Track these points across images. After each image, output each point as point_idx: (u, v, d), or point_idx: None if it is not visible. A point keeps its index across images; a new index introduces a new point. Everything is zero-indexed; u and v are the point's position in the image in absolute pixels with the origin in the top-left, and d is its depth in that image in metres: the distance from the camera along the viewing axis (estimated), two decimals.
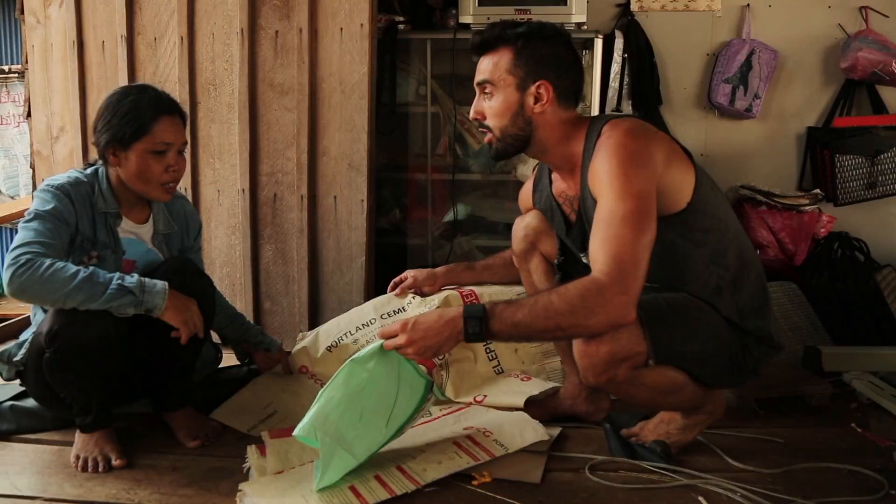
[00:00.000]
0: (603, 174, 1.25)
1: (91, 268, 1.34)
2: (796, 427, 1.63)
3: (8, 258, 1.32)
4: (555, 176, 1.52)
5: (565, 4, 2.26)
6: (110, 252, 1.50)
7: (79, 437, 1.47)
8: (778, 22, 2.59)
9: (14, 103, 3.63)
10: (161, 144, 1.46)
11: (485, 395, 1.68)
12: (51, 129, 2.27)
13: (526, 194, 1.67)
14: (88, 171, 1.54)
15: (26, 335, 1.55)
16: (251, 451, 1.44)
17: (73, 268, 1.32)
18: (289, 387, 1.71)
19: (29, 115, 2.32)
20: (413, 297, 1.80)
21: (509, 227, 2.53)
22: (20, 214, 3.17)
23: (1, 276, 1.44)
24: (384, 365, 1.29)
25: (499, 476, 1.37)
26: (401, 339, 1.27)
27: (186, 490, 1.35)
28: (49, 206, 1.41)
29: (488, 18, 2.27)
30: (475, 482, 1.35)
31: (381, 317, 1.77)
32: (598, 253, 1.19)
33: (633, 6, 2.61)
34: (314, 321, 2.11)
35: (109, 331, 1.37)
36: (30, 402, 1.65)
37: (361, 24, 1.95)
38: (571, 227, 1.48)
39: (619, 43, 2.50)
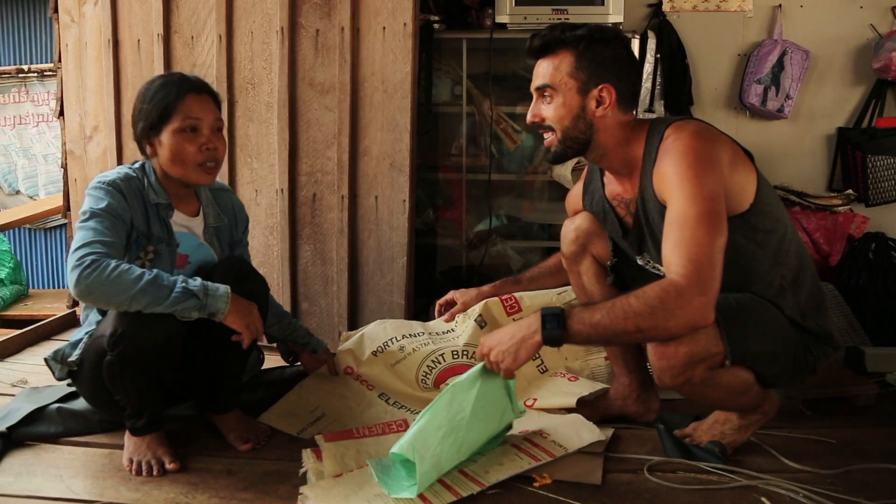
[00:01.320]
0: (673, 177, 1.25)
1: (155, 271, 1.33)
2: (846, 427, 1.62)
3: (72, 259, 1.30)
4: (607, 178, 1.51)
5: (602, 4, 2.25)
6: (165, 245, 1.48)
7: (130, 440, 1.45)
8: (809, 22, 2.59)
9: (33, 103, 3.62)
10: (189, 120, 1.43)
11: (535, 399, 1.67)
12: (84, 128, 2.25)
13: (575, 197, 1.66)
14: (136, 165, 1.53)
15: (78, 335, 1.53)
16: (307, 454, 1.43)
17: (137, 270, 1.30)
18: (335, 389, 1.70)
19: (61, 114, 2.30)
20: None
21: (543, 227, 2.55)
22: (44, 214, 3.16)
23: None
24: (487, 398, 1.31)
25: (559, 478, 1.37)
26: (482, 349, 1.29)
27: (245, 494, 1.34)
28: (103, 204, 1.39)
29: (525, 18, 2.26)
30: (536, 484, 1.35)
31: (430, 333, 1.76)
32: (673, 255, 1.19)
33: (665, 6, 2.61)
34: (353, 322, 2.10)
35: (172, 335, 1.36)
36: (77, 405, 1.64)
37: (405, 23, 1.94)
38: (628, 230, 1.48)
39: (651, 43, 2.50)
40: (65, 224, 3.63)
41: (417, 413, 1.61)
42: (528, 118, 1.42)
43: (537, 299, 1.76)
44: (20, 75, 3.56)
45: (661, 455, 1.47)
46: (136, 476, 1.39)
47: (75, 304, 2.43)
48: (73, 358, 1.49)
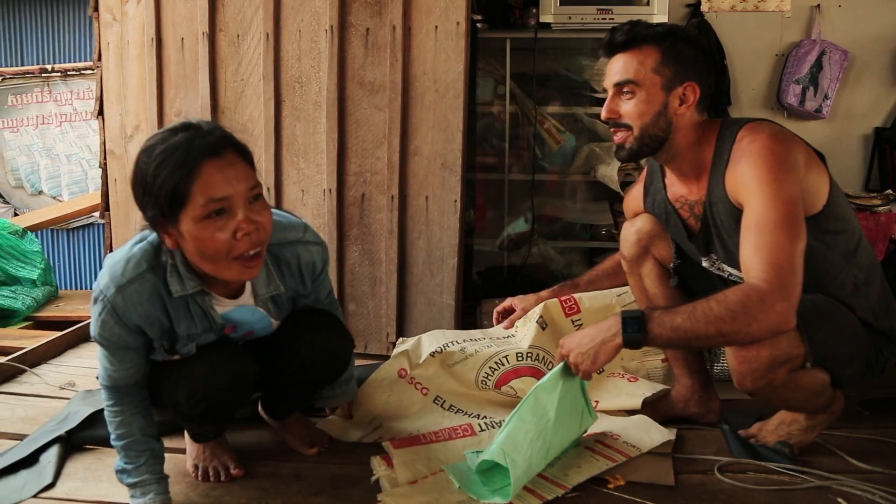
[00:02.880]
0: (751, 180, 1.24)
1: (126, 440, 1.27)
2: None
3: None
4: (669, 180, 1.50)
5: (647, 4, 2.25)
6: (204, 336, 1.27)
7: (192, 445, 1.44)
8: (847, 22, 2.59)
9: (56, 103, 3.60)
10: (213, 203, 1.06)
11: (596, 401, 1.65)
12: (125, 127, 2.23)
13: (635, 199, 1.65)
14: (154, 240, 1.19)
15: None
16: (376, 462, 1.42)
17: (116, 430, 1.27)
18: (391, 399, 1.65)
19: (100, 113, 2.27)
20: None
21: (585, 227, 2.54)
22: (73, 215, 3.13)
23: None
24: (568, 399, 1.31)
25: (632, 479, 1.37)
26: (562, 350, 1.29)
27: (317, 499, 1.33)
28: (105, 334, 1.20)
29: (569, 18, 2.26)
30: (610, 485, 1.35)
31: (491, 338, 1.74)
32: (753, 260, 1.19)
33: (703, 6, 2.61)
34: (401, 323, 2.08)
35: (247, 371, 1.32)
36: None
37: (458, 22, 1.92)
38: (693, 232, 1.47)
39: None
40: (90, 224, 3.61)
41: (476, 417, 1.61)
42: (604, 115, 1.41)
43: (596, 301, 1.75)
44: (43, 75, 3.53)
45: (728, 455, 1.46)
46: (203, 482, 1.38)
47: None
48: None
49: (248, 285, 1.27)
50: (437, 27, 1.94)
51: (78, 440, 1.52)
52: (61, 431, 1.52)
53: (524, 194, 2.46)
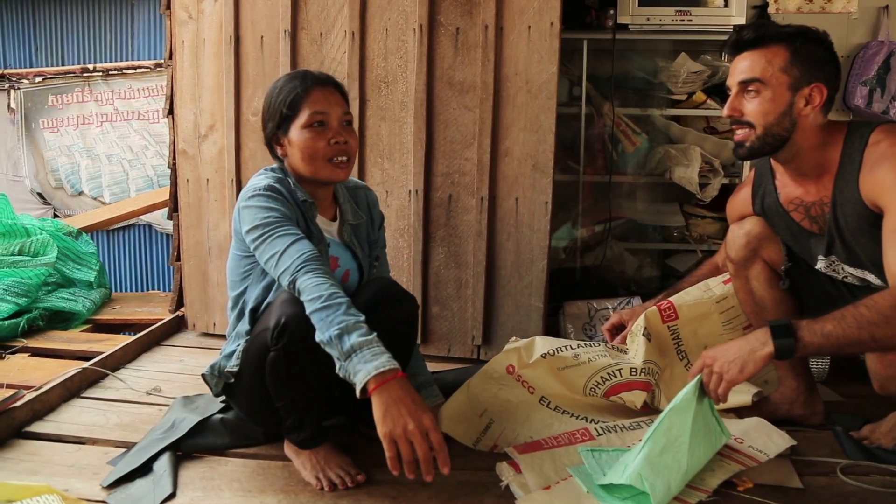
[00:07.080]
0: (894, 183, 1.23)
1: (334, 301, 1.22)
2: None
3: (285, 265, 1.29)
4: (781, 182, 1.49)
5: (726, 6, 2.24)
6: (316, 243, 1.44)
7: (299, 458, 1.41)
8: None
9: (97, 102, 3.54)
10: (317, 115, 1.40)
11: None
12: (199, 127, 2.19)
13: (742, 201, 1.63)
14: (275, 167, 1.48)
15: (230, 347, 1.48)
16: (503, 467, 1.40)
17: (316, 291, 1.23)
18: (500, 393, 1.64)
19: (170, 112, 2.23)
20: None
21: (657, 229, 2.53)
22: (128, 215, 3.08)
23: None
24: (700, 419, 1.28)
25: (759, 482, 1.36)
26: (705, 360, 1.27)
27: None
28: (275, 211, 1.35)
29: (647, 19, 2.25)
30: (740, 488, 1.35)
31: (608, 346, 1.71)
32: None
33: (770, 8, 2.59)
34: (487, 326, 2.05)
35: None
36: (237, 415, 1.58)
37: (551, 23, 1.90)
38: (808, 234, 1.46)
39: None
40: (130, 226, 3.56)
41: (585, 420, 1.59)
42: (726, 112, 1.41)
43: (696, 309, 1.71)
44: (84, 75, 3.48)
45: (842, 457, 1.46)
46: (330, 491, 1.34)
47: (178, 307, 2.37)
48: (230, 367, 1.43)
49: (339, 212, 1.55)
50: (529, 27, 1.92)
51: (187, 448, 1.49)
52: (171, 440, 1.48)
53: (595, 195, 2.44)
